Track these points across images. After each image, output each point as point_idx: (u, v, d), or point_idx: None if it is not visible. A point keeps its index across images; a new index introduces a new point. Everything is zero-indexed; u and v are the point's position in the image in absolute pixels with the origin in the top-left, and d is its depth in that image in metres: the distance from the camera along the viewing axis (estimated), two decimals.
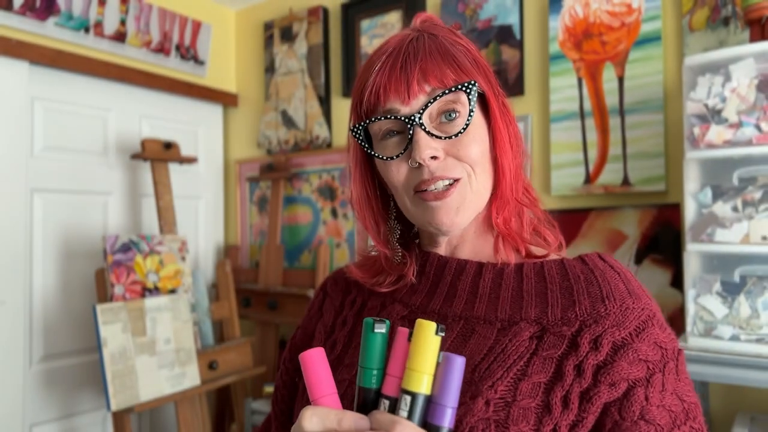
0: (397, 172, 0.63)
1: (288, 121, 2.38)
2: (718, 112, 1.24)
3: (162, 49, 2.25)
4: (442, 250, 0.70)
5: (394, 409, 0.48)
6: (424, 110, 0.60)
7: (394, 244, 0.70)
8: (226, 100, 2.55)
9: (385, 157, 0.63)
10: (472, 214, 0.63)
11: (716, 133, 1.23)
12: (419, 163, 0.60)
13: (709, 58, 1.26)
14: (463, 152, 0.61)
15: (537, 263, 0.64)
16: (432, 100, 0.60)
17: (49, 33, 1.90)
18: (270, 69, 2.45)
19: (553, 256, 0.66)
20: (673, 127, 1.55)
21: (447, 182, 0.61)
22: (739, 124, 1.21)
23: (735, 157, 1.22)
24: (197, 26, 2.37)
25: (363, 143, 0.65)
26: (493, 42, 1.85)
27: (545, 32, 1.77)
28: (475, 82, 0.61)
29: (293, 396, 0.78)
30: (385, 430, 0.46)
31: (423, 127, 0.60)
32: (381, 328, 0.50)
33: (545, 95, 1.77)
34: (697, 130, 1.26)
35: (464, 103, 0.61)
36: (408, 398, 0.46)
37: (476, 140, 0.62)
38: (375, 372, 0.50)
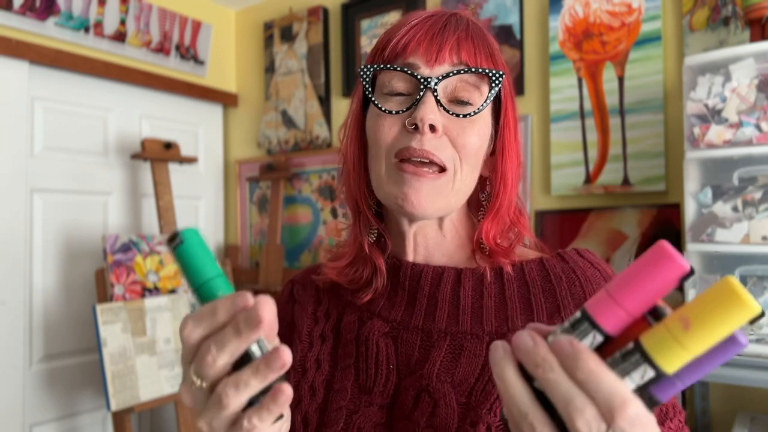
0: (388, 130, 0.59)
1: (288, 121, 2.38)
2: (718, 112, 1.24)
3: (162, 49, 2.25)
4: (413, 256, 0.65)
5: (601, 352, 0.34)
6: (443, 78, 0.57)
7: (374, 219, 0.65)
8: (226, 100, 2.55)
9: (383, 108, 0.59)
10: (442, 209, 0.60)
11: (716, 133, 1.23)
12: (416, 126, 0.57)
13: (709, 58, 1.26)
14: (462, 138, 0.58)
15: (517, 265, 0.62)
16: (455, 72, 0.57)
17: (49, 33, 1.90)
18: (270, 69, 2.45)
19: (531, 254, 0.64)
20: (673, 127, 1.55)
21: (432, 166, 0.58)
22: (739, 124, 1.21)
23: (735, 157, 1.22)
24: (197, 26, 2.37)
25: (367, 86, 0.61)
26: None
27: (545, 32, 1.77)
28: (503, 73, 0.59)
29: None
30: (607, 405, 0.31)
31: (435, 93, 0.57)
32: (178, 240, 0.38)
33: (545, 95, 1.77)
34: (697, 130, 1.26)
35: (482, 94, 0.59)
36: (649, 372, 0.32)
37: (479, 134, 0.60)
38: (216, 279, 0.39)
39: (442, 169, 0.58)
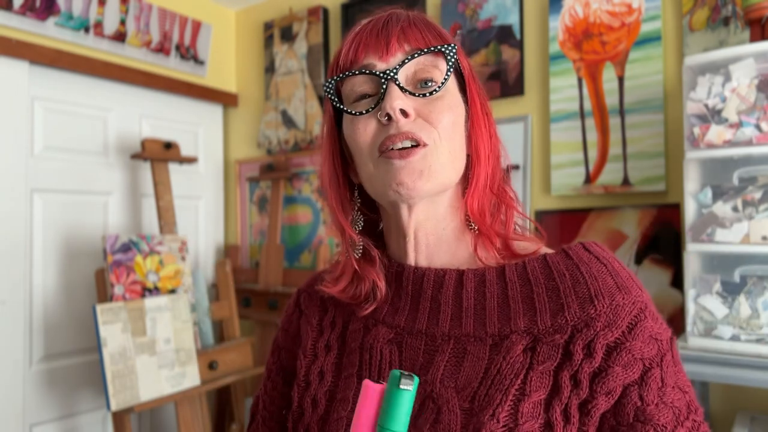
0: (364, 131, 0.61)
1: (288, 121, 2.38)
2: (718, 112, 1.24)
3: (162, 49, 2.25)
4: (415, 257, 0.66)
5: None
6: (400, 66, 0.59)
7: (356, 235, 0.67)
8: (226, 100, 2.55)
9: (354, 112, 0.61)
10: (435, 185, 0.60)
11: (716, 133, 1.23)
12: (389, 116, 0.58)
13: (709, 58, 1.26)
14: (434, 115, 0.59)
15: (519, 264, 0.61)
16: (410, 57, 0.59)
17: (49, 33, 1.90)
18: (270, 69, 2.45)
19: (545, 250, 0.64)
20: (673, 127, 1.55)
21: (413, 143, 0.58)
22: (739, 124, 1.21)
23: (735, 157, 1.22)
24: (197, 26, 2.37)
25: (333, 98, 0.63)
26: (493, 42, 1.85)
27: (545, 32, 1.77)
28: (455, 45, 0.61)
29: (279, 403, 0.75)
30: None
31: (397, 82, 0.59)
32: (408, 385, 0.45)
33: (545, 95, 1.77)
34: (697, 130, 1.26)
35: (442, 71, 0.61)
36: None
37: (451, 108, 0.61)
38: None
39: (424, 144, 0.59)
